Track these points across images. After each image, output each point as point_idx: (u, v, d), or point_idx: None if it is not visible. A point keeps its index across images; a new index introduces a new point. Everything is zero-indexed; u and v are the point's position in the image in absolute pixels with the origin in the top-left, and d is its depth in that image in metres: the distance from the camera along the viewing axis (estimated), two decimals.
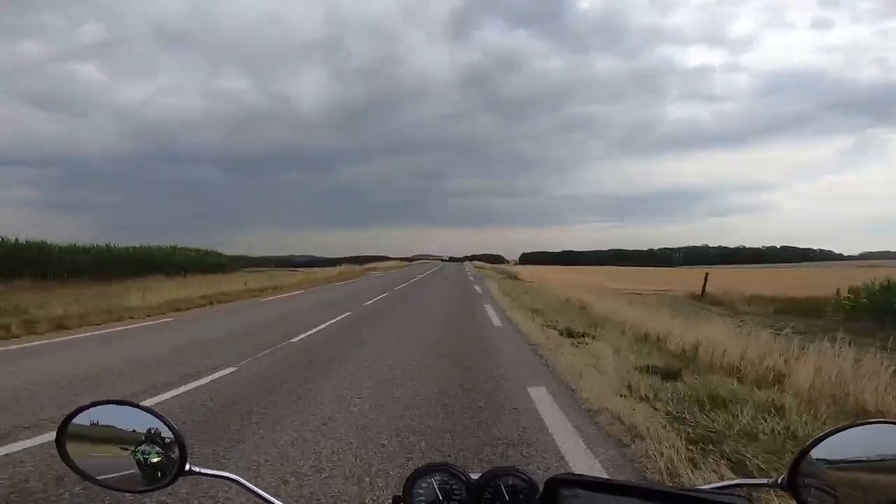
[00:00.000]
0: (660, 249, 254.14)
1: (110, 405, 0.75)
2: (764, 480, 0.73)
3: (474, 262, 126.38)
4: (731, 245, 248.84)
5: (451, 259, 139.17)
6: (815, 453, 0.68)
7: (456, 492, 0.73)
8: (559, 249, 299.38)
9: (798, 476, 0.68)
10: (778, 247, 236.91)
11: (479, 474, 0.75)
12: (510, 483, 0.73)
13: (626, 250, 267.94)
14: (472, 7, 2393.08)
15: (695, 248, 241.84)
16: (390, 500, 0.75)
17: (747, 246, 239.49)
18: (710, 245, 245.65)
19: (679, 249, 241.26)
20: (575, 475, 0.70)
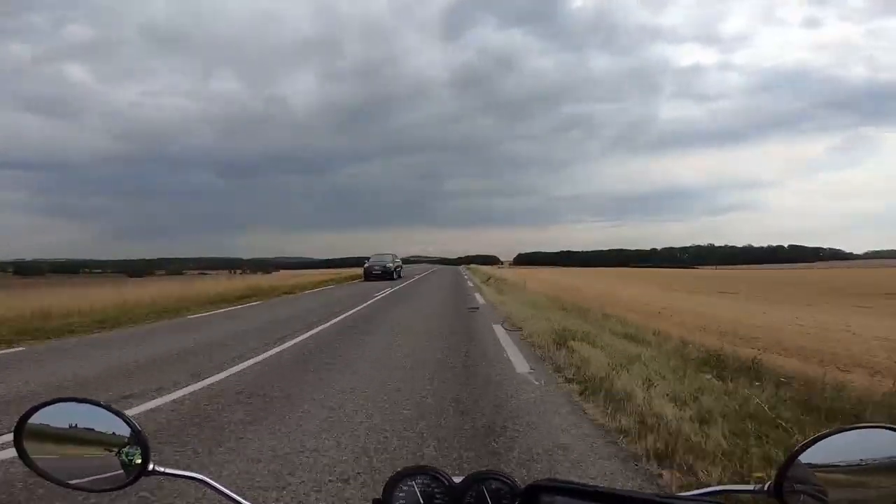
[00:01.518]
0: (665, 249, 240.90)
1: (69, 403, 0.73)
2: (750, 486, 0.70)
3: (471, 265, 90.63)
4: (738, 244, 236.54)
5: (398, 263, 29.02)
6: (805, 458, 0.65)
7: (437, 495, 0.71)
8: (557, 249, 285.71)
9: (786, 482, 0.65)
10: (786, 246, 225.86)
11: (462, 478, 0.72)
12: (493, 487, 0.70)
13: (629, 250, 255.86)
14: (464, 5, 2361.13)
15: (701, 247, 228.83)
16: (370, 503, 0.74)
17: (755, 245, 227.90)
18: (716, 244, 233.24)
19: (685, 249, 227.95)
20: (556, 481, 0.65)
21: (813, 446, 0.65)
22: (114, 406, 0.72)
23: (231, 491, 0.74)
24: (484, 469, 0.74)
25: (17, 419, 0.72)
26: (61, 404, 0.72)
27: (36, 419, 0.71)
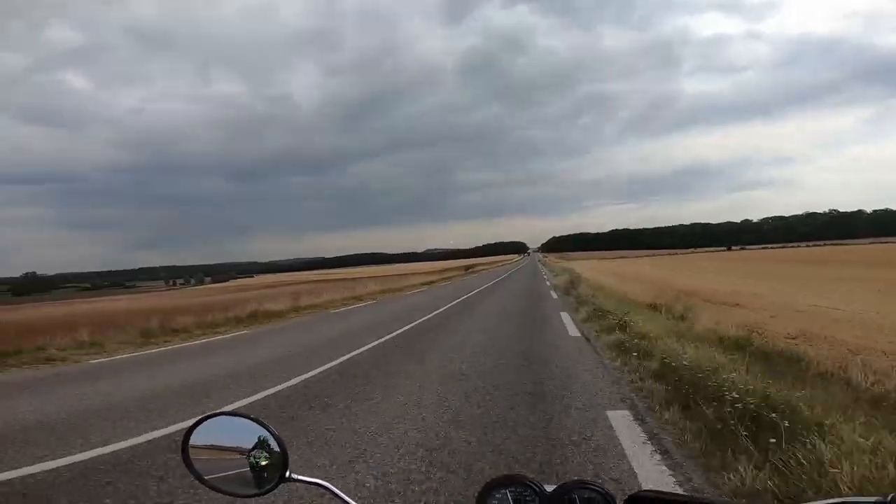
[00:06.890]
0: (775, 218, 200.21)
1: (225, 416, 0.87)
2: (871, 499, 0.66)
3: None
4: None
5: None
6: None
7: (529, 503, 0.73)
8: (602, 231, 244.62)
9: None
10: None
11: (554, 486, 0.73)
12: (585, 497, 0.71)
13: (712, 223, 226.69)
14: None
15: (797, 216, 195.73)
16: None
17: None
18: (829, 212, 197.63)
19: (775, 219, 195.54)
20: (659, 492, 0.64)
21: None
22: (262, 419, 0.85)
23: (356, 501, 0.81)
24: (576, 479, 0.73)
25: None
26: (218, 417, 0.87)
27: (198, 431, 0.86)
